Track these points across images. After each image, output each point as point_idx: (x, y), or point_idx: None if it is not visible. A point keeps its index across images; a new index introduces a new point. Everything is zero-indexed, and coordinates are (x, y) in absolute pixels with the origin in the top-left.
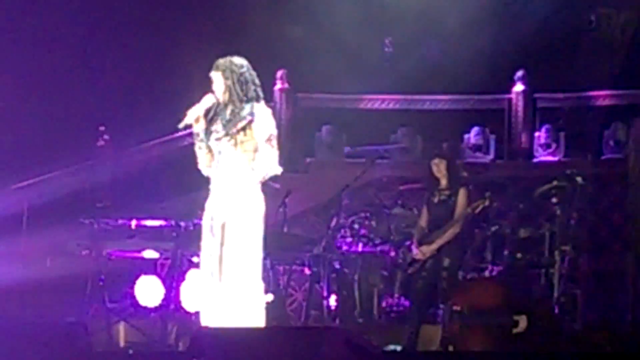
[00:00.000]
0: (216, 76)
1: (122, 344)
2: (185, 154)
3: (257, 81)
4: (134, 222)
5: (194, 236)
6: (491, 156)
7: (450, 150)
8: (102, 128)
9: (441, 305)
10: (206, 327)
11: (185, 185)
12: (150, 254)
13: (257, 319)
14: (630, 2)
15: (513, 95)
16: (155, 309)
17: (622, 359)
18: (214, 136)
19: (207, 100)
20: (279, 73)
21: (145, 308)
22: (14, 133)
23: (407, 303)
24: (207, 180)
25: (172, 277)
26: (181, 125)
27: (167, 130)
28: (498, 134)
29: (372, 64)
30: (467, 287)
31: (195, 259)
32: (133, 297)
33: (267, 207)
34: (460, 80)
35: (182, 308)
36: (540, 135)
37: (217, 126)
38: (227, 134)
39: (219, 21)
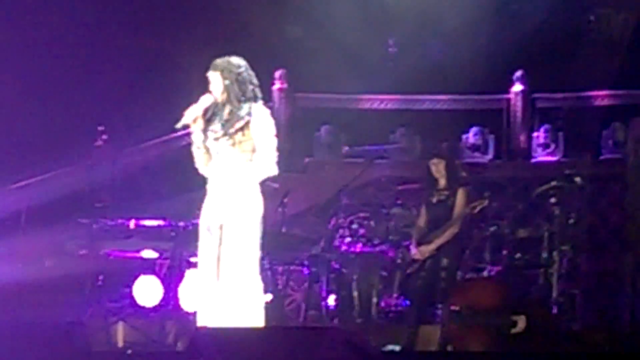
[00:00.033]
0: (214, 76)
1: (120, 344)
2: (183, 154)
3: (255, 81)
4: (132, 222)
5: (192, 236)
6: (490, 156)
7: (449, 150)
8: (100, 128)
9: (440, 305)
10: (205, 327)
11: (183, 185)
12: (148, 253)
13: (255, 319)
14: (629, 2)
15: (512, 95)
16: (154, 308)
17: (621, 359)
18: (211, 136)
19: (205, 100)
20: (278, 73)
21: (143, 308)
22: (13, 133)
23: (405, 303)
24: (205, 180)
25: (171, 277)
26: (179, 125)
27: (166, 130)
28: (497, 134)
29: (371, 64)
30: (466, 287)
31: (193, 259)
32: (131, 297)
33: (266, 207)
34: (459, 80)
35: (180, 308)
36: (539, 135)
37: (215, 126)
38: (225, 134)
39: (217, 21)
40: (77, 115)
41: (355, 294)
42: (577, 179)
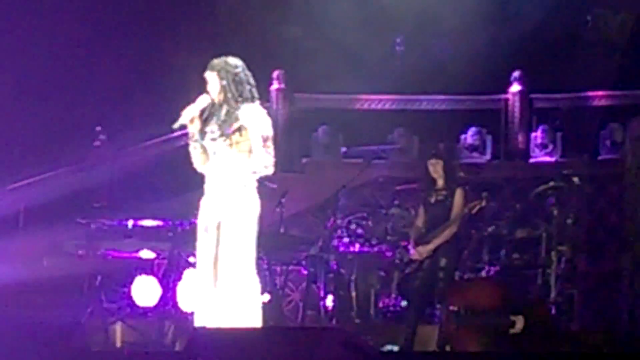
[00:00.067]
0: (211, 76)
1: (118, 344)
2: (181, 154)
3: (252, 81)
4: (130, 222)
5: (190, 236)
6: (488, 156)
7: (446, 151)
8: (98, 128)
9: (438, 306)
10: (203, 328)
11: (181, 185)
12: (146, 254)
13: (253, 319)
14: (626, 3)
15: (510, 96)
16: (152, 309)
17: (619, 359)
18: (209, 136)
19: (202, 101)
20: (276, 73)
21: (142, 308)
22: (11, 133)
23: (404, 303)
24: (203, 180)
25: (169, 277)
26: (176, 126)
27: (164, 130)
28: (495, 134)
29: (369, 65)
30: (464, 288)
31: (192, 259)
32: (130, 297)
33: (264, 207)
34: (457, 81)
35: (178, 308)
36: (537, 135)
37: (212, 126)
38: (222, 135)
39: (215, 21)
40: (76, 116)
41: (353, 294)
42: (575, 179)
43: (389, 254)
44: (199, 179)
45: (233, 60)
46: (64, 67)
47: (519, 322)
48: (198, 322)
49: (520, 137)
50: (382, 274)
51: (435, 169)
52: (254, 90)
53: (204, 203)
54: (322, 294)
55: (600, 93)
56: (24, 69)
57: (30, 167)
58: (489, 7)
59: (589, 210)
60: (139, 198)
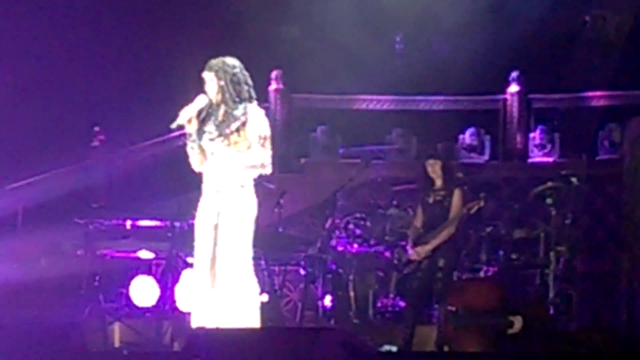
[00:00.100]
0: (209, 76)
1: (117, 344)
2: (179, 154)
3: (250, 82)
4: (128, 223)
5: (188, 236)
6: (486, 157)
7: (445, 151)
8: (96, 128)
9: (436, 306)
10: (202, 328)
11: (179, 186)
12: (145, 254)
13: (251, 320)
14: (624, 3)
15: (508, 96)
16: (150, 309)
17: None
18: (207, 137)
19: (200, 101)
20: (274, 73)
21: (140, 308)
22: (9, 133)
23: (402, 303)
24: (201, 181)
25: (167, 278)
26: (173, 126)
27: (162, 130)
28: (493, 134)
29: (368, 65)
30: (462, 288)
31: (190, 259)
32: (128, 297)
33: (262, 208)
34: (455, 81)
35: (177, 308)
36: (535, 136)
37: (210, 127)
38: (220, 135)
39: (213, 21)
40: (74, 116)
41: (351, 294)
42: (574, 180)
43: (387, 254)
44: (197, 179)
45: (231, 61)
46: (62, 67)
47: (518, 322)
48: (195, 323)
49: (518, 138)
50: (381, 274)
51: (434, 169)
52: (252, 91)
53: (201, 203)
54: (320, 294)
55: (598, 93)
56: (21, 69)
57: (28, 167)
58: (488, 7)
59: (587, 211)
60: (137, 198)
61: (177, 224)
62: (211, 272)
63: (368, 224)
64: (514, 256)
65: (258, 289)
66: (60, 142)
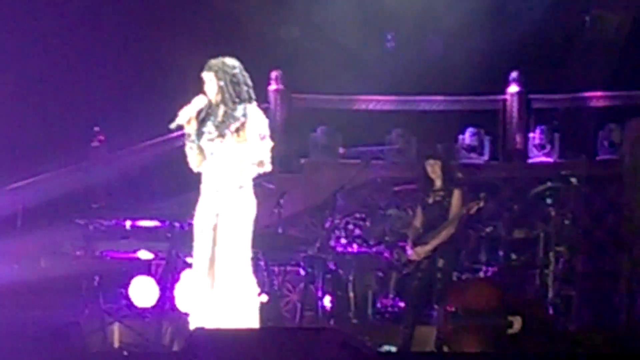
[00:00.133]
0: (208, 77)
1: (116, 344)
2: (179, 154)
3: (249, 82)
4: (128, 223)
5: (188, 237)
6: (486, 157)
7: (444, 151)
8: (96, 129)
9: (436, 306)
10: (201, 328)
11: (179, 186)
12: (144, 254)
13: (250, 320)
14: (624, 3)
15: (508, 96)
16: (150, 309)
17: None
18: (206, 137)
19: (199, 101)
20: (274, 74)
21: (139, 309)
22: (9, 134)
23: (401, 304)
24: (201, 181)
25: (167, 278)
26: (172, 126)
27: (162, 131)
28: (493, 135)
29: (367, 65)
30: (462, 288)
31: (189, 260)
32: (128, 297)
33: (262, 208)
34: (454, 81)
35: (176, 309)
36: (535, 136)
37: (209, 127)
38: (220, 135)
39: (213, 22)
40: (74, 116)
41: (351, 294)
42: (573, 180)
43: (386, 254)
44: (197, 179)
45: (231, 61)
46: (62, 68)
47: (517, 323)
48: (193, 323)
49: (518, 138)
50: (380, 274)
51: (433, 169)
52: (251, 91)
53: (200, 204)
54: (320, 294)
55: (598, 94)
56: (21, 69)
57: (28, 167)
58: (487, 7)
59: (586, 211)
60: (137, 198)
61: (176, 224)
62: (210, 272)
63: (368, 224)
64: (513, 256)
65: (257, 289)
66: (60, 143)
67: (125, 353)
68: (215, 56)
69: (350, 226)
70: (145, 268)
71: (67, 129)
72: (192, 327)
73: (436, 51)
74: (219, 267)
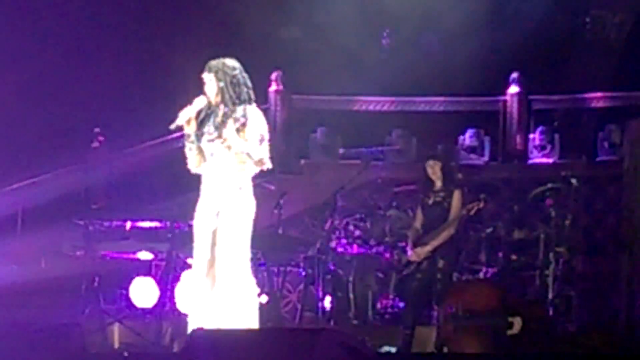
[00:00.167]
0: (208, 77)
1: (116, 345)
2: (179, 155)
3: (249, 84)
4: (128, 224)
5: (188, 237)
6: (486, 158)
7: (444, 152)
8: (97, 130)
9: (436, 307)
10: (201, 329)
11: (179, 187)
12: (144, 255)
13: (250, 320)
14: (624, 4)
15: (508, 97)
16: (150, 310)
17: None
18: (206, 138)
19: (199, 102)
20: (274, 75)
21: (140, 309)
22: (9, 134)
23: (401, 304)
24: (201, 182)
25: (167, 279)
26: (172, 127)
27: (162, 131)
28: (493, 135)
29: (367, 66)
30: (462, 289)
31: (190, 260)
32: (128, 298)
33: (262, 209)
34: (455, 82)
35: (176, 309)
36: (535, 137)
37: (209, 128)
38: (219, 136)
39: (213, 23)
40: (74, 117)
41: (351, 295)
42: (573, 181)
43: (387, 255)
44: (197, 180)
45: (231, 62)
46: (62, 69)
47: (517, 324)
48: (192, 324)
49: (518, 139)
50: (380, 275)
51: (434, 170)
52: (251, 93)
53: (200, 205)
54: (320, 295)
55: (598, 94)
56: (23, 71)
57: (28, 168)
58: (488, 8)
59: (586, 212)
60: (137, 199)
61: (176, 225)
62: (210, 273)
63: (368, 225)
64: (513, 257)
65: (257, 290)
66: (61, 143)
67: (125, 354)
68: (215, 57)
69: (351, 227)
70: (146, 269)
71: (67, 130)
72: (191, 327)
73: (436, 52)
74: (219, 268)
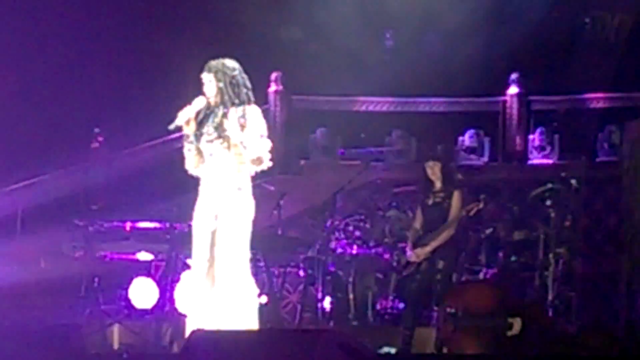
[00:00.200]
0: (208, 78)
1: (116, 345)
2: (179, 156)
3: (248, 84)
4: (128, 224)
5: (188, 238)
6: (485, 159)
7: (444, 153)
8: (96, 130)
9: (435, 308)
10: (200, 330)
11: (179, 187)
12: (144, 255)
13: (250, 321)
14: (624, 4)
15: (507, 98)
16: (150, 311)
17: None
18: (205, 138)
19: (198, 103)
20: (274, 75)
21: (139, 310)
22: (9, 135)
23: (401, 305)
24: (200, 183)
25: (167, 279)
26: (172, 127)
27: (162, 132)
28: (492, 136)
29: (367, 66)
30: (462, 290)
31: (189, 261)
32: (127, 299)
33: (262, 209)
34: (454, 83)
35: (176, 310)
36: (535, 137)
37: (208, 128)
38: (219, 137)
39: (213, 23)
40: (73, 118)
41: (351, 296)
42: (573, 182)
43: (386, 256)
44: (196, 181)
45: (230, 63)
46: (62, 69)
47: (517, 324)
48: (191, 325)
49: (518, 140)
50: (380, 276)
51: (433, 171)
52: (250, 94)
53: (199, 205)
54: (319, 295)
55: (598, 95)
56: (22, 71)
57: (28, 168)
58: (487, 9)
59: (586, 213)
60: (137, 200)
61: (176, 225)
62: (209, 274)
63: (367, 225)
64: (513, 258)
65: (256, 291)
66: (60, 144)
67: (124, 354)
68: (215, 57)
69: (350, 227)
70: (145, 269)
71: (66, 130)
72: (191, 328)
73: (436, 53)
74: (218, 269)
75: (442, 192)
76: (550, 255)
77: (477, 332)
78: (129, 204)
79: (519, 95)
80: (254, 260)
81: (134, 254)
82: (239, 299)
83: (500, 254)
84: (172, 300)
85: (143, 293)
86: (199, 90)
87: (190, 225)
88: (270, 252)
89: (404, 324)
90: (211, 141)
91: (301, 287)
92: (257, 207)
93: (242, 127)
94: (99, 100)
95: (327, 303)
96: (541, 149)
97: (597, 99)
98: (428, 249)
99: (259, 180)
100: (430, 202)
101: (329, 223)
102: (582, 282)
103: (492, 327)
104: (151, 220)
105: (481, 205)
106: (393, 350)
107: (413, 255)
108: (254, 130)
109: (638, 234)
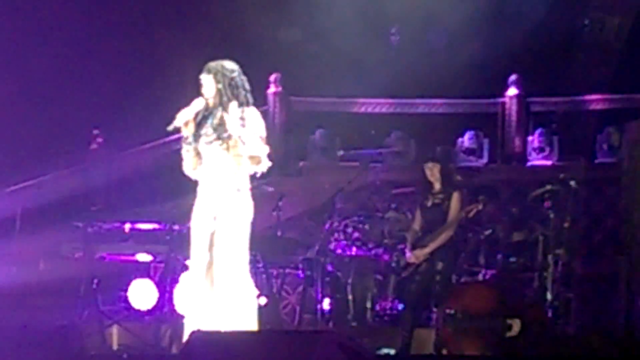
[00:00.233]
0: (207, 79)
1: (115, 347)
2: (178, 157)
3: (247, 86)
4: (127, 225)
5: (187, 239)
6: (485, 160)
7: (443, 154)
8: (95, 131)
9: (434, 309)
10: (199, 331)
11: (178, 189)
12: (143, 257)
13: (249, 322)
14: (623, 6)
15: (507, 99)
16: (149, 312)
17: None
18: (203, 139)
19: (197, 104)
20: (273, 76)
21: (138, 311)
22: (8, 136)
23: (400, 306)
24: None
25: (166, 281)
26: (170, 128)
27: (161, 133)
28: (492, 138)
29: (366, 68)
30: (461, 291)
31: (188, 262)
32: (126, 300)
33: (261, 211)
34: (454, 84)
35: (175, 311)
36: (534, 139)
37: (207, 130)
38: (218, 138)
39: (212, 25)
40: (73, 119)
41: (350, 297)
42: (572, 183)
43: (385, 257)
44: (196, 182)
45: (229, 64)
46: (61, 70)
47: (516, 326)
48: (189, 326)
49: (517, 141)
50: (379, 277)
51: (432, 172)
52: (249, 96)
53: (197, 206)
54: (318, 297)
55: (597, 96)
56: (21, 72)
57: (27, 169)
58: (487, 10)
59: (585, 214)
60: (136, 201)
61: (175, 227)
62: (208, 275)
63: (366, 227)
64: (512, 259)
65: (256, 292)
66: (59, 145)
67: (124, 355)
68: (214, 59)
69: (349, 229)
70: (144, 271)
71: (66, 131)
72: (190, 329)
73: (435, 54)
74: (217, 270)
75: (441, 194)
76: (550, 257)
77: (476, 333)
78: (128, 205)
79: (518, 96)
80: (253, 262)
81: (133, 255)
82: (238, 300)
83: (500, 255)
84: (171, 302)
85: (142, 294)
86: (198, 92)
87: (189, 227)
88: (269, 253)
89: (403, 325)
90: (210, 142)
91: (300, 288)
92: (256, 209)
93: (242, 128)
94: (99, 101)
95: (326, 304)
96: (540, 150)
97: (596, 101)
98: (427, 250)
99: (258, 182)
100: (429, 203)
101: (328, 224)
102: (581, 283)
103: (491, 328)
104: (150, 222)
105: (480, 207)
106: (392, 352)
107: (412, 256)
108: (253, 131)
109: (637, 235)
